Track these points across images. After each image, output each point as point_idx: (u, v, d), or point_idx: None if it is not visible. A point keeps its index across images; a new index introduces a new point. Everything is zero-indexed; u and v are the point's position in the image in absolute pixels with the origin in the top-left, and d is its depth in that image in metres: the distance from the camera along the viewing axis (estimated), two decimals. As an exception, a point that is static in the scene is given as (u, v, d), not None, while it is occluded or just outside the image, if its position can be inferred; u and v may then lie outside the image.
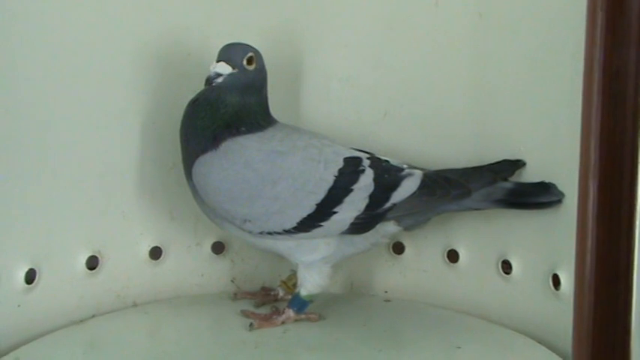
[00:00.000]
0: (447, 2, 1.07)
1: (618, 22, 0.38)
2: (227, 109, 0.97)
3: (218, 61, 0.96)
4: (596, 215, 0.41)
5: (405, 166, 1.01)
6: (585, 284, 0.40)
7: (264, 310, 1.04)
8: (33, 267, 1.00)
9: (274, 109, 1.01)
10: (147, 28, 1.05)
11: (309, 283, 1.00)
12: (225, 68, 0.95)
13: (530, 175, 1.02)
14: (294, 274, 1.04)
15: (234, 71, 0.96)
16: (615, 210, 0.41)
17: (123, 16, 1.04)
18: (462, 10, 1.06)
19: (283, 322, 1.00)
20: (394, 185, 0.98)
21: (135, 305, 1.08)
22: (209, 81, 0.95)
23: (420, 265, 1.12)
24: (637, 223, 0.41)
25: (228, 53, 0.96)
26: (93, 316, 1.04)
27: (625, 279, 0.41)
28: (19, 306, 0.99)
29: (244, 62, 0.96)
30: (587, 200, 0.41)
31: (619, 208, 0.41)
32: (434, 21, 1.08)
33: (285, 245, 0.99)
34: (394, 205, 0.98)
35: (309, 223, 0.97)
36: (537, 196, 1.00)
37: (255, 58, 0.97)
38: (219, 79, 0.95)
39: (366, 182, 0.98)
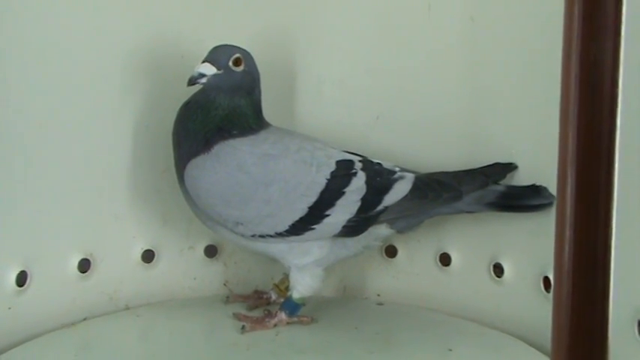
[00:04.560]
0: (439, 6, 1.07)
1: (595, 13, 0.38)
2: (217, 111, 0.97)
3: (203, 62, 0.96)
4: (574, 203, 0.41)
5: (397, 168, 1.01)
6: (564, 273, 0.41)
7: (256, 313, 1.04)
8: (24, 269, 1.00)
9: (267, 112, 1.01)
10: (140, 31, 1.05)
11: (302, 286, 1.00)
12: (208, 69, 0.95)
13: (522, 178, 1.02)
14: (286, 277, 1.04)
15: (219, 72, 0.95)
16: (593, 198, 0.41)
17: (116, 19, 1.04)
18: (454, 14, 1.07)
19: (275, 325, 1.00)
20: (386, 188, 0.99)
21: (127, 308, 1.08)
22: (191, 81, 0.95)
23: (413, 269, 1.12)
24: (614, 212, 0.41)
25: (214, 54, 0.96)
26: (85, 319, 1.04)
27: (603, 266, 0.41)
28: (9, 308, 0.98)
29: (230, 63, 0.96)
30: (565, 189, 0.41)
31: (597, 196, 0.41)
32: (426, 24, 1.08)
33: (278, 248, 0.99)
34: (386, 207, 0.98)
35: (301, 226, 0.97)
36: (529, 199, 1.00)
37: (243, 59, 0.97)
38: (203, 80, 0.95)
39: (358, 185, 0.98)
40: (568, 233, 0.41)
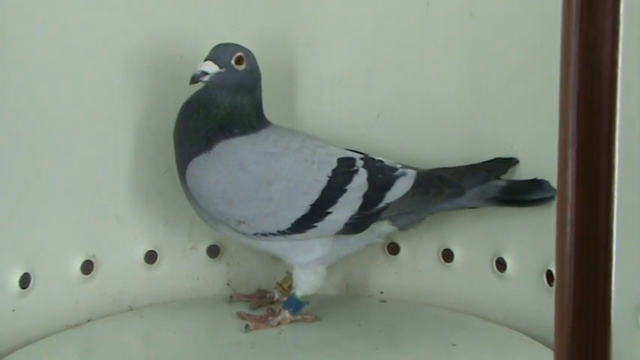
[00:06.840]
0: (438, 2, 1.07)
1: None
2: (219, 109, 0.97)
3: (205, 60, 0.96)
4: (575, 185, 0.41)
5: (398, 165, 1.01)
6: (566, 255, 0.41)
7: (259, 312, 1.04)
8: (27, 271, 1.00)
9: (268, 112, 1.01)
10: (140, 32, 1.06)
11: (305, 284, 1.00)
12: (211, 67, 0.95)
13: (523, 172, 1.02)
14: (289, 276, 1.04)
15: (222, 70, 0.95)
16: (594, 180, 0.41)
17: (116, 20, 1.04)
18: (453, 10, 1.07)
19: (279, 323, 1.00)
20: (388, 185, 0.99)
21: (130, 309, 1.08)
22: (194, 79, 0.95)
23: (416, 265, 1.12)
24: (615, 192, 0.42)
25: (217, 52, 0.96)
26: (88, 320, 1.04)
27: (605, 248, 0.41)
28: (13, 311, 0.99)
29: (233, 62, 0.96)
30: (566, 171, 0.41)
31: (598, 177, 0.41)
32: (425, 21, 1.08)
33: (280, 246, 0.99)
34: (388, 204, 0.99)
35: (303, 224, 0.97)
36: (530, 193, 1.00)
37: (245, 58, 0.97)
38: (205, 78, 0.95)
39: (359, 182, 0.98)
40: (569, 215, 0.41)
